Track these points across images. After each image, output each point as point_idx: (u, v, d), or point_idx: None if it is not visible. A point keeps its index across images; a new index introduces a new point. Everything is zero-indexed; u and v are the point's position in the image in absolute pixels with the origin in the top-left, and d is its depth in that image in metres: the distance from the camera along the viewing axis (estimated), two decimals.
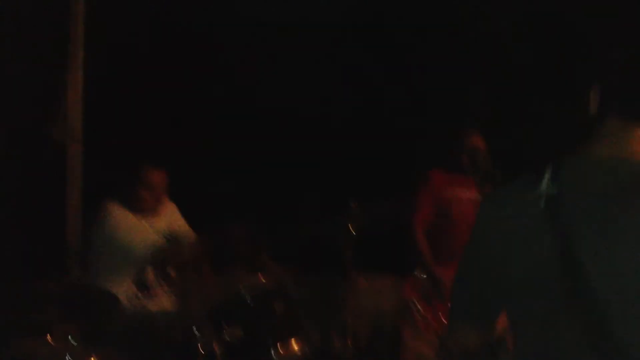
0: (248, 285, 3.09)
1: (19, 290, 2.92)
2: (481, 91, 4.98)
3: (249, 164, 4.98)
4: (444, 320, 3.97)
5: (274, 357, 2.95)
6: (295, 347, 3.01)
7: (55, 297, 2.74)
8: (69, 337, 2.79)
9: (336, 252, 4.02)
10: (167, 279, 3.72)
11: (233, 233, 3.86)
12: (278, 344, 2.98)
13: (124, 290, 3.56)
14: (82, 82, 4.52)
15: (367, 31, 5.09)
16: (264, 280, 3.14)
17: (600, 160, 1.33)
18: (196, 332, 3.00)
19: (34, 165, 4.44)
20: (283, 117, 4.95)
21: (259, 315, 3.04)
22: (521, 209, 1.33)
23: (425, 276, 4.03)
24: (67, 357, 2.81)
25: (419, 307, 4.01)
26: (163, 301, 3.66)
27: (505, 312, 1.43)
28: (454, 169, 4.06)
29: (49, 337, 2.81)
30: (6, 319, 2.84)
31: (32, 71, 4.32)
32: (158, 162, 3.71)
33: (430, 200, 4.03)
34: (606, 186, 1.30)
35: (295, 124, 4.98)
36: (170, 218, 3.88)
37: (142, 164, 3.71)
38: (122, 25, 4.63)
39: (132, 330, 3.24)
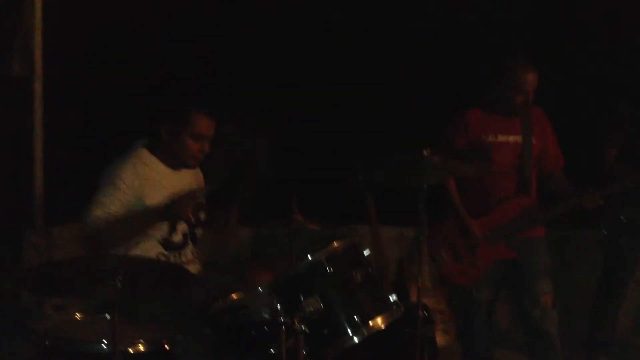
0: (325, 249, 2.63)
1: None
2: None
3: None
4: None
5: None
6: (380, 322, 2.60)
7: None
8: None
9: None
10: (196, 240, 3.23)
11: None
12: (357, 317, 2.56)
13: (146, 249, 3.03)
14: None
15: None
16: (336, 244, 2.67)
17: None
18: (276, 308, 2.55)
19: None
20: None
21: (339, 283, 2.61)
22: None
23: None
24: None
25: (444, 257, 3.76)
26: (192, 265, 3.16)
27: None
28: (497, 109, 3.73)
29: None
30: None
31: None
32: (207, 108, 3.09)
33: (464, 143, 3.70)
34: None
35: None
36: (196, 176, 3.32)
37: (192, 106, 3.07)
38: None
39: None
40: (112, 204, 2.94)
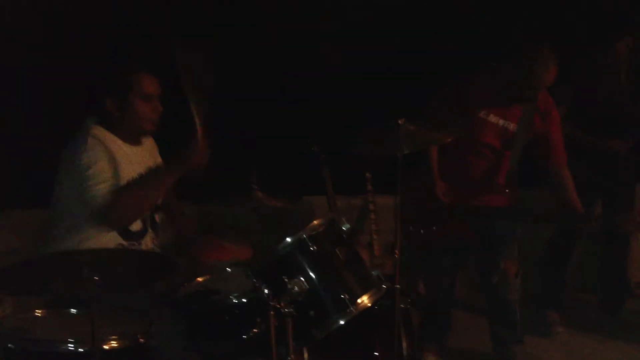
0: (307, 227, 2.49)
1: None
2: None
3: None
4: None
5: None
6: (366, 300, 2.49)
7: None
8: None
9: None
10: (156, 225, 3.03)
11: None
12: (345, 296, 2.45)
13: (103, 240, 2.79)
14: None
15: None
16: (317, 222, 2.54)
17: None
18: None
19: None
20: None
21: (324, 262, 2.48)
22: None
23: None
24: None
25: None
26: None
27: None
28: (502, 90, 3.58)
29: None
30: None
31: None
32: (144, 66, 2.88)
33: (455, 111, 3.53)
34: None
35: None
36: (153, 151, 3.10)
37: (130, 69, 2.85)
38: None
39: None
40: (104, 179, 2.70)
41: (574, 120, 4.15)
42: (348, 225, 2.61)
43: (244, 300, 2.59)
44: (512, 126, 3.62)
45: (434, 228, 3.66)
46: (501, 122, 3.61)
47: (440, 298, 3.82)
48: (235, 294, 2.62)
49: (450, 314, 3.92)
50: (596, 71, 4.21)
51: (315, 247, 2.47)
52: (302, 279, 2.43)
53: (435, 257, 3.75)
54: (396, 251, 2.84)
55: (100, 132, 2.81)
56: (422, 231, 3.66)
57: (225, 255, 3.12)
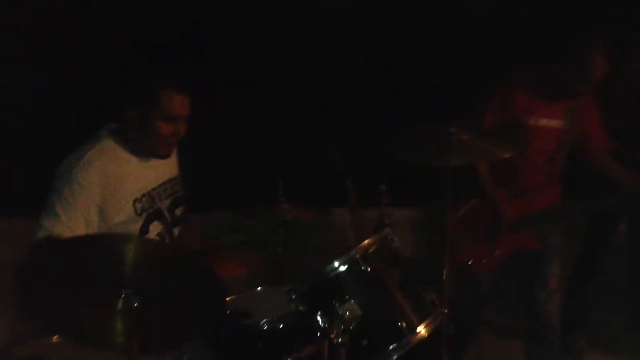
0: (360, 245, 2.23)
1: None
2: None
3: None
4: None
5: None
6: (424, 329, 2.23)
7: None
8: None
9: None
10: (173, 240, 2.76)
11: None
12: (403, 323, 2.19)
13: None
14: None
15: None
16: (370, 239, 2.28)
17: None
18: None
19: None
20: None
21: (378, 284, 2.23)
22: None
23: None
24: None
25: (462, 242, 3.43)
26: None
27: None
28: (546, 90, 3.32)
29: None
30: None
31: None
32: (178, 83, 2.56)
33: (500, 122, 3.27)
34: None
35: None
36: (173, 163, 2.84)
37: (160, 83, 2.54)
38: None
39: None
40: (72, 215, 2.39)
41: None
42: (399, 242, 2.35)
43: (280, 325, 2.33)
44: (560, 124, 3.37)
45: (497, 251, 3.38)
46: (552, 123, 3.35)
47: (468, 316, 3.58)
48: (269, 318, 2.35)
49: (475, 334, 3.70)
50: (625, 76, 4.00)
51: (368, 268, 2.21)
52: (354, 303, 2.16)
53: (501, 278, 3.49)
54: (444, 272, 2.59)
55: (109, 145, 2.54)
56: (484, 258, 3.39)
57: (232, 272, 2.86)
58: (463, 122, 2.51)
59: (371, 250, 2.25)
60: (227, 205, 3.24)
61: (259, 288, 2.73)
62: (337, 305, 2.14)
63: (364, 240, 2.27)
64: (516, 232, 3.39)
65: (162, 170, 2.71)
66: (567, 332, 4.14)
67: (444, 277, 2.54)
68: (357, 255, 2.21)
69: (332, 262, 2.20)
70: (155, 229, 2.65)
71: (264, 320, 2.35)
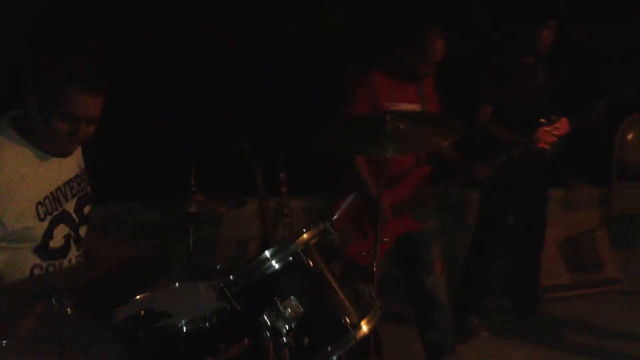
0: (298, 238, 2.10)
1: None
2: None
3: None
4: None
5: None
6: (365, 326, 2.14)
7: None
8: None
9: None
10: (80, 241, 2.51)
11: None
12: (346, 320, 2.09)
13: (16, 262, 2.26)
14: None
15: None
16: (309, 232, 2.16)
17: None
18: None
19: None
20: None
21: (320, 279, 2.11)
22: None
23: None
24: None
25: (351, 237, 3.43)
26: (77, 273, 2.45)
27: None
28: (397, 75, 3.45)
29: None
30: None
31: None
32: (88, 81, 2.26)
33: (368, 108, 3.35)
34: None
35: None
36: (78, 159, 2.56)
37: (66, 75, 2.23)
38: None
39: None
40: None
41: (499, 121, 4.07)
42: (336, 234, 2.25)
43: (206, 324, 2.17)
44: (417, 106, 3.49)
45: (385, 239, 3.37)
46: (410, 106, 3.46)
47: None
48: (191, 317, 2.19)
49: None
50: (517, 69, 4.15)
51: (310, 262, 2.09)
52: (295, 300, 2.04)
53: (393, 265, 3.51)
54: (374, 265, 2.53)
55: (8, 138, 2.26)
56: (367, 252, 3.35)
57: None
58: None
59: (311, 243, 2.13)
60: (135, 197, 3.02)
61: (176, 284, 2.54)
62: (278, 302, 2.01)
63: (299, 231, 2.15)
64: (397, 217, 3.44)
65: (66, 166, 2.44)
66: (460, 314, 4.26)
67: (374, 268, 2.46)
68: (299, 249, 2.08)
69: (271, 256, 2.07)
70: (60, 232, 2.40)
71: (185, 320, 2.18)
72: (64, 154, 2.39)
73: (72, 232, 2.44)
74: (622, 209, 5.22)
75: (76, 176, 2.48)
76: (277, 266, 2.07)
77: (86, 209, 2.52)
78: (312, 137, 2.77)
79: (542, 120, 3.56)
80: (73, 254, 2.45)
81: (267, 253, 2.10)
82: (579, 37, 4.50)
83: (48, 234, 2.33)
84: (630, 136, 5.21)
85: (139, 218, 3.56)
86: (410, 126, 2.43)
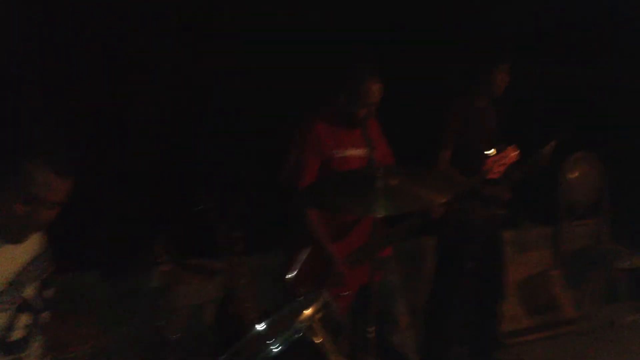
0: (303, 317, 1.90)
1: None
2: None
3: None
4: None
5: None
6: None
7: None
8: None
9: None
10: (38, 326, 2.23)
11: None
12: None
13: None
14: None
15: None
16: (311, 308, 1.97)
17: None
18: None
19: None
20: None
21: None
22: None
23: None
24: None
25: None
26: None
27: None
28: (339, 121, 3.34)
29: None
30: None
31: None
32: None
33: (317, 159, 3.24)
34: None
35: None
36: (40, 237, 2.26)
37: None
38: None
39: None
40: None
41: (454, 163, 4.02)
42: (337, 305, 2.08)
43: None
44: (364, 151, 3.37)
45: (346, 293, 3.23)
46: (358, 151, 3.37)
47: None
48: None
49: None
50: (472, 113, 4.12)
51: (316, 340, 1.90)
52: None
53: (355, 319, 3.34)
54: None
55: None
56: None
57: None
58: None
59: (316, 318, 1.94)
60: (96, 268, 2.73)
61: None
62: None
63: (298, 305, 1.97)
64: (355, 268, 3.32)
65: (24, 248, 2.14)
66: None
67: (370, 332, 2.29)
68: (303, 327, 1.89)
69: (276, 337, 1.87)
70: (22, 322, 2.12)
71: None
72: (20, 240, 2.09)
73: (33, 321, 2.15)
74: (571, 247, 5.24)
75: (36, 257, 2.19)
76: (280, 348, 1.87)
77: (47, 293, 2.23)
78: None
79: (487, 152, 3.52)
80: (34, 345, 2.16)
81: (266, 332, 1.90)
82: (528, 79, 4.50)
83: (8, 326, 2.04)
84: (573, 175, 5.28)
85: (90, 292, 3.25)
86: (403, 183, 2.28)
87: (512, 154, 3.50)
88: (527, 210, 4.97)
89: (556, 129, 4.10)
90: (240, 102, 4.22)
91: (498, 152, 3.42)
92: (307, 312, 1.92)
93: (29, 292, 2.14)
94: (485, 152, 3.43)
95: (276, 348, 1.86)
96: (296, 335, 1.88)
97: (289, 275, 3.17)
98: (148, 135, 3.77)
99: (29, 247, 2.16)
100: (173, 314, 3.86)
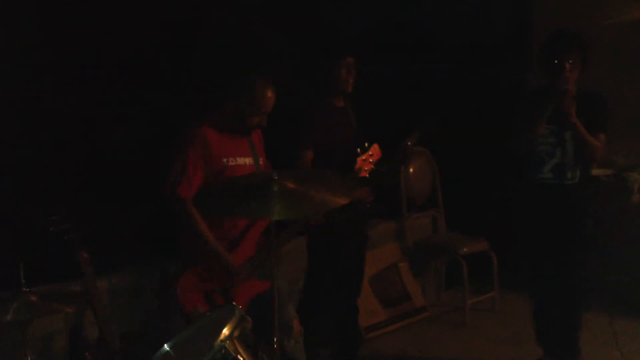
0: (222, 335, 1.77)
1: None
2: None
3: None
4: None
5: None
6: None
7: None
8: None
9: None
10: None
11: None
12: None
13: None
14: None
15: None
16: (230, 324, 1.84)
17: None
18: None
19: None
20: None
21: None
22: None
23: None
24: None
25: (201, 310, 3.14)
26: None
27: None
28: (227, 128, 3.27)
29: None
30: None
31: None
32: None
33: (203, 166, 3.14)
34: None
35: None
36: None
37: None
38: None
39: None
40: None
41: (320, 164, 4.01)
42: (249, 319, 1.97)
43: None
44: (251, 160, 3.39)
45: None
46: (246, 160, 3.35)
47: None
48: None
49: None
50: (330, 112, 4.13)
51: (239, 358, 1.79)
52: None
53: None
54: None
55: None
56: None
57: None
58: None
59: (235, 335, 1.82)
60: None
61: None
62: None
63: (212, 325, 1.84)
64: (245, 281, 3.26)
65: None
66: None
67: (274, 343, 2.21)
68: (224, 346, 1.77)
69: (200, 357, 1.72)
70: None
71: None
72: None
73: None
74: (413, 239, 5.46)
75: None
76: None
77: None
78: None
79: (358, 150, 3.56)
80: None
81: (177, 354, 1.75)
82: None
83: None
84: (411, 169, 5.51)
85: None
86: (300, 185, 2.21)
87: (377, 150, 3.55)
88: (376, 206, 5.09)
89: (417, 122, 4.20)
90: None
91: (365, 150, 3.46)
92: (226, 329, 1.80)
93: None
94: (358, 150, 3.44)
95: None
96: (218, 355, 1.75)
97: (178, 287, 2.99)
98: None
99: None
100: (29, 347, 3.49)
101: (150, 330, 3.61)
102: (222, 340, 1.77)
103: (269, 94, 3.24)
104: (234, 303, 3.02)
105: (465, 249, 5.16)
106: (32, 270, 2.63)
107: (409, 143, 4.03)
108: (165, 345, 1.91)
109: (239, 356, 1.80)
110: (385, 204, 5.24)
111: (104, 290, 3.88)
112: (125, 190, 3.76)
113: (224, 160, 3.18)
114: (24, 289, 2.42)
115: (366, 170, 3.46)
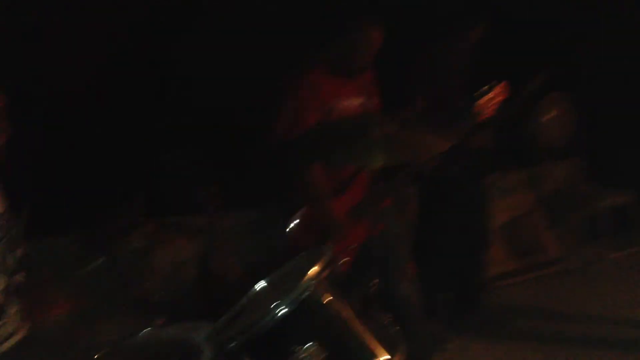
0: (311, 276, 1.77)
1: None
2: None
3: None
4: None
5: None
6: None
7: None
8: None
9: None
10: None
11: None
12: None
13: None
14: None
15: None
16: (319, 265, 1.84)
17: None
18: None
19: None
20: None
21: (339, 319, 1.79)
22: None
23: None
24: None
25: None
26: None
27: None
28: (339, 69, 3.15)
29: None
30: None
31: None
32: None
33: (315, 110, 3.06)
34: None
35: None
36: None
37: None
38: None
39: None
40: None
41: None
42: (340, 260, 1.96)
43: None
44: (361, 100, 3.23)
45: (351, 245, 3.10)
46: (356, 101, 3.20)
47: None
48: None
49: None
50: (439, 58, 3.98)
51: (325, 300, 1.78)
52: (316, 345, 1.72)
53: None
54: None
55: None
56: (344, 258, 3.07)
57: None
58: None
59: (323, 276, 1.81)
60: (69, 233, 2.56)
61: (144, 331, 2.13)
62: (297, 351, 1.69)
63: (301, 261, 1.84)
64: (357, 223, 3.20)
65: None
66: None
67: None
68: (311, 286, 1.76)
69: (281, 298, 1.73)
70: None
71: None
72: None
73: (7, 285, 2.05)
74: (550, 188, 5.21)
75: None
76: (288, 309, 1.73)
77: (18, 252, 2.12)
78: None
79: (476, 93, 3.39)
80: (11, 311, 2.07)
81: (268, 292, 1.77)
82: None
83: None
84: (550, 116, 5.20)
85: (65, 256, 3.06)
86: (400, 130, 2.13)
87: (501, 91, 3.36)
88: (504, 155, 4.89)
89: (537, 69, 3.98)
90: None
91: (488, 90, 3.27)
92: (314, 269, 1.79)
93: None
94: (479, 91, 3.27)
95: (283, 310, 1.73)
96: (304, 295, 1.75)
97: (289, 228, 3.02)
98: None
99: None
100: (155, 274, 3.72)
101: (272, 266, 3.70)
102: (308, 280, 1.78)
103: (374, 34, 3.11)
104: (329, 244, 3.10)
105: (607, 202, 4.86)
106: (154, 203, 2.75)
107: (535, 85, 3.82)
108: (262, 280, 1.94)
109: (323, 297, 1.80)
110: (514, 153, 5.03)
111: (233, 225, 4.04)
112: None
113: (333, 102, 3.13)
114: (142, 219, 2.54)
115: (488, 113, 3.28)
